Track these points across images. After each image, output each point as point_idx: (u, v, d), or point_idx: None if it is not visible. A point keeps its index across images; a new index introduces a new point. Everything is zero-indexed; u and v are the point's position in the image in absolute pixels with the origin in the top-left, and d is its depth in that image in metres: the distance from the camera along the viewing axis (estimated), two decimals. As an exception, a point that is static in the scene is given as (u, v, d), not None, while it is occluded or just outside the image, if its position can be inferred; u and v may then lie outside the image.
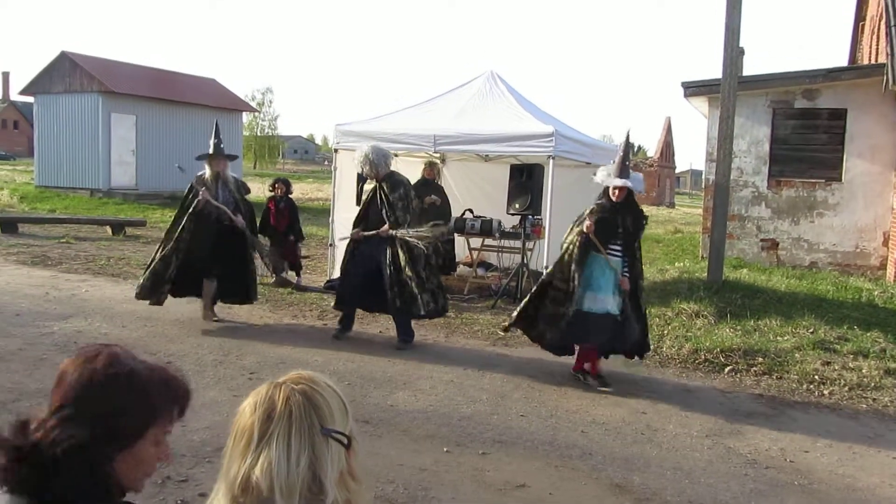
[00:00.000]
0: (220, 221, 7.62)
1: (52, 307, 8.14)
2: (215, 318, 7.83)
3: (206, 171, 7.76)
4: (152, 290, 7.49)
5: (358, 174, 9.72)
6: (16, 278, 9.76)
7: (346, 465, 1.39)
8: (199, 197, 7.48)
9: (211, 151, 7.81)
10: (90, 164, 23.08)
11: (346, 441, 1.39)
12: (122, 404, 1.35)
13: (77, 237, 14.18)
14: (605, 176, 6.31)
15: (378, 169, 7.23)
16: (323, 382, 1.42)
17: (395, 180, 7.35)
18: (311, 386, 1.40)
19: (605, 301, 6.14)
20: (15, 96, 52.58)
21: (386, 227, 7.19)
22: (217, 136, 7.91)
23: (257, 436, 1.34)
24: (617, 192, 6.20)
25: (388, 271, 7.12)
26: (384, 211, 7.24)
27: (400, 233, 7.16)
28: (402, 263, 7.12)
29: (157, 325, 7.57)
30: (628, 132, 6.91)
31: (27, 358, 6.13)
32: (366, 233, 7.31)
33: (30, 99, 25.58)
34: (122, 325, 7.49)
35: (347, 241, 7.58)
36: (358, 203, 9.97)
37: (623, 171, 6.25)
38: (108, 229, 15.26)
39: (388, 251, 7.18)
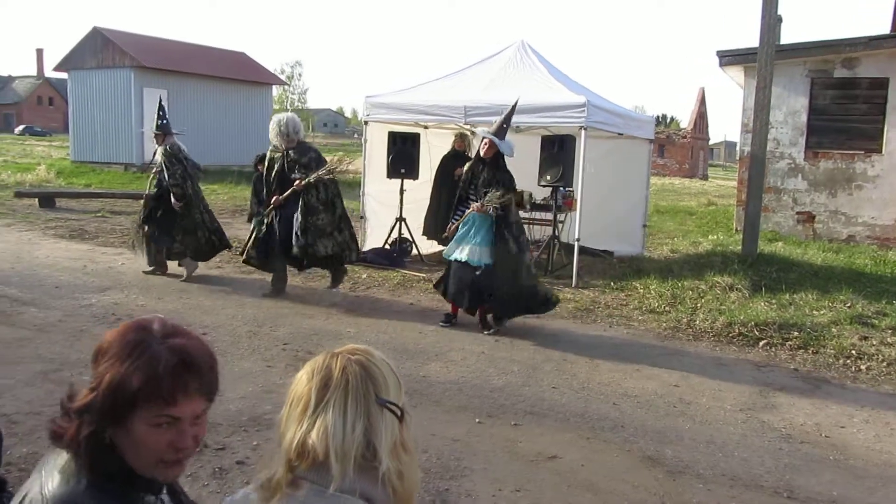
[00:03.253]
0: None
1: (90, 280, 8.29)
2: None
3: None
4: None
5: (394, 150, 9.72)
6: (55, 252, 9.95)
7: (399, 436, 1.41)
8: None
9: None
10: (123, 139, 23.36)
11: (399, 412, 1.41)
12: (113, 378, 1.34)
13: (112, 211, 14.39)
14: (483, 130, 7.08)
15: (289, 138, 7.62)
16: (378, 356, 1.45)
17: (304, 147, 7.80)
18: (367, 357, 1.43)
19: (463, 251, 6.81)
20: (49, 73, 53.18)
21: (299, 181, 7.56)
22: (161, 110, 8.74)
23: (314, 402, 1.37)
24: (486, 147, 6.81)
25: (297, 222, 7.60)
26: (294, 174, 7.62)
27: (312, 177, 7.56)
28: (304, 214, 7.60)
29: (193, 297, 7.68)
30: (517, 101, 7.31)
31: (67, 329, 6.27)
32: (283, 195, 7.64)
33: (64, 75, 25.90)
34: (158, 297, 7.61)
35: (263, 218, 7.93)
36: (390, 176, 10.00)
37: (499, 131, 6.86)
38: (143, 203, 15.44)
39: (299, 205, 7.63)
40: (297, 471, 1.38)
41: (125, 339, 1.39)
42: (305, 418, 1.37)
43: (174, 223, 8.29)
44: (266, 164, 7.91)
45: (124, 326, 1.43)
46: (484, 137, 6.89)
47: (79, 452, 1.36)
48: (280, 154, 7.72)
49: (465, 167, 7.20)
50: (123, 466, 1.38)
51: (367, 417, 1.36)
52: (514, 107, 7.13)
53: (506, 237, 6.75)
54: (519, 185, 10.53)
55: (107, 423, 1.36)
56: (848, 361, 6.41)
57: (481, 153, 6.90)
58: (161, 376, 1.35)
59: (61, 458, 1.39)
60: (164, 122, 8.57)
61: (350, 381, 1.38)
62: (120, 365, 1.35)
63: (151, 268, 8.67)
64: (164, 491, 1.50)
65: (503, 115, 7.06)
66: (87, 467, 1.36)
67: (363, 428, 1.36)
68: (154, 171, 8.65)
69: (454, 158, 9.95)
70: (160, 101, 9.05)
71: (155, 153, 8.70)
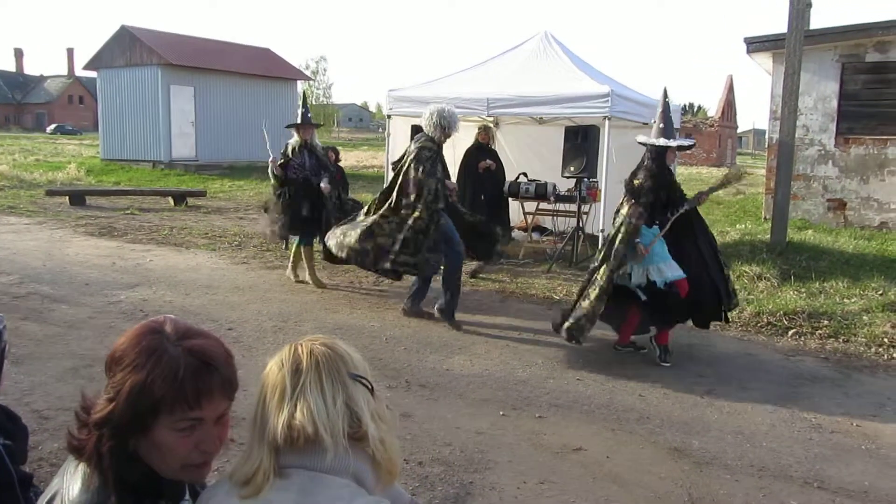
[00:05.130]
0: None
1: (119, 276, 8.41)
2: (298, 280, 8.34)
3: (294, 139, 8.17)
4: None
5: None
6: (84, 249, 10.10)
7: (374, 405, 1.47)
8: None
9: (299, 121, 8.28)
10: (152, 137, 23.65)
11: (370, 385, 1.47)
12: (133, 387, 1.33)
13: (141, 208, 14.58)
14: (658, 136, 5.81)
15: (447, 133, 6.86)
16: (340, 340, 1.52)
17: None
18: (330, 340, 1.50)
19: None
20: (79, 72, 53.95)
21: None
22: (304, 105, 8.41)
23: (290, 388, 1.40)
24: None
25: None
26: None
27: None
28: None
29: (219, 293, 7.75)
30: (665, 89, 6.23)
31: (97, 326, 6.36)
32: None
33: (93, 74, 26.26)
34: (185, 294, 7.69)
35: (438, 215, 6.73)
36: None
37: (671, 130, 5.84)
38: (171, 200, 15.64)
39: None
40: (285, 459, 1.38)
41: (140, 344, 1.37)
42: (285, 404, 1.39)
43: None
44: (414, 159, 6.75)
45: (136, 331, 1.40)
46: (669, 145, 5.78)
47: (101, 465, 1.34)
48: (436, 148, 6.86)
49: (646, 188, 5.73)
50: (149, 474, 1.37)
51: (345, 389, 1.41)
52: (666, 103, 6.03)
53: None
54: (543, 177, 10.57)
55: (129, 434, 1.34)
56: (880, 349, 6.30)
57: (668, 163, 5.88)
58: (182, 380, 1.33)
59: (82, 465, 1.38)
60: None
61: (321, 361, 1.43)
62: (138, 372, 1.33)
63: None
64: (188, 495, 1.49)
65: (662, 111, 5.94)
66: (113, 480, 1.34)
67: (343, 399, 1.40)
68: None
69: (478, 151, 9.92)
70: (303, 93, 8.81)
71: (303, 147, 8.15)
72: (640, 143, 5.96)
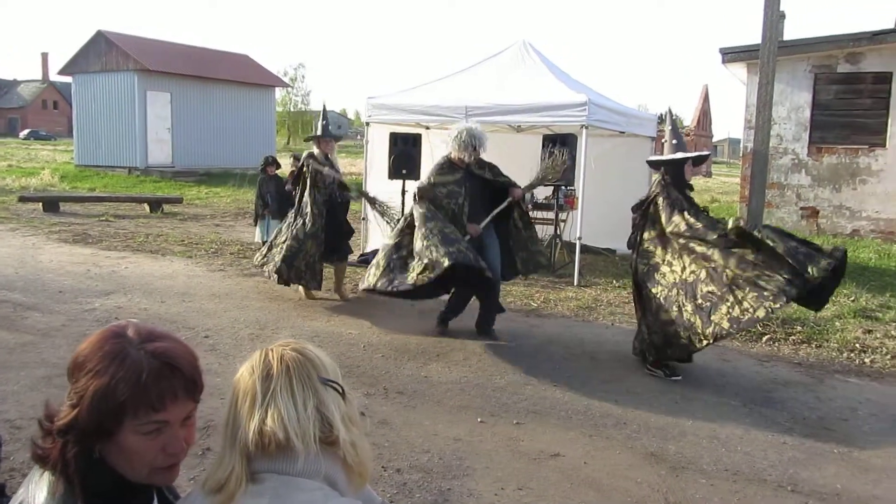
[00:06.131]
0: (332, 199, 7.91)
1: (94, 284, 8.32)
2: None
3: (315, 151, 7.95)
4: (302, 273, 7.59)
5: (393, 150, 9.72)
6: (58, 256, 9.98)
7: (346, 410, 1.46)
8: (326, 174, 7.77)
9: (319, 133, 8.03)
10: (127, 143, 23.45)
11: (341, 389, 1.46)
12: (96, 392, 1.31)
13: (116, 215, 14.45)
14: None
15: (476, 152, 6.47)
16: (310, 345, 1.51)
17: (482, 160, 6.68)
18: (301, 345, 1.49)
19: None
20: (54, 76, 53.37)
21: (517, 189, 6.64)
22: (325, 118, 8.16)
23: (261, 393, 1.40)
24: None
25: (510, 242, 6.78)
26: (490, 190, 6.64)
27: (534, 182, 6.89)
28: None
29: (195, 301, 7.70)
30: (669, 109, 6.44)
31: (71, 334, 6.29)
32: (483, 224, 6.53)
33: (68, 79, 26.01)
34: (160, 301, 7.63)
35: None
36: (391, 177, 9.91)
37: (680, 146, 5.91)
38: (146, 207, 15.51)
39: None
40: (257, 465, 1.38)
41: (102, 349, 1.35)
42: (256, 410, 1.38)
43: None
44: (436, 185, 6.39)
45: (98, 336, 1.39)
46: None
47: (67, 473, 1.32)
48: (462, 172, 6.46)
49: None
50: (117, 480, 1.35)
51: (316, 395, 1.41)
52: (673, 122, 6.16)
53: None
54: (521, 185, 10.59)
55: (94, 439, 1.32)
56: (852, 355, 6.39)
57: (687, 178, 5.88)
58: (146, 383, 1.31)
59: (47, 473, 1.36)
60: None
61: (291, 367, 1.42)
62: (101, 377, 1.31)
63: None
64: (156, 501, 1.47)
65: (672, 132, 5.97)
66: (79, 487, 1.32)
67: (314, 405, 1.40)
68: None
69: (456, 158, 9.92)
70: (324, 105, 8.29)
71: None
72: (653, 161, 6.04)
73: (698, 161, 6.04)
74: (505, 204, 6.51)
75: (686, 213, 5.57)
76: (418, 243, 6.04)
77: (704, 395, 5.36)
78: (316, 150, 7.95)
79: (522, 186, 6.75)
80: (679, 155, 5.81)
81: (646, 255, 5.76)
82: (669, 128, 6.06)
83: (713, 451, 4.39)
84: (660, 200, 5.70)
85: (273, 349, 1.48)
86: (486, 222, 6.46)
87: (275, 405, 1.38)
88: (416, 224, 6.19)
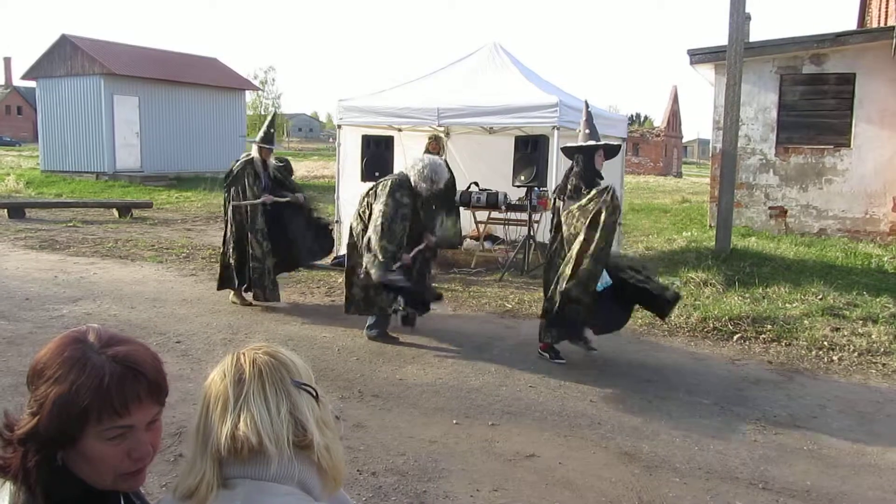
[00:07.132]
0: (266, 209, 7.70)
1: (62, 290, 8.18)
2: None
3: (255, 156, 7.73)
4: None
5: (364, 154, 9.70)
6: (24, 263, 9.80)
7: (319, 413, 1.45)
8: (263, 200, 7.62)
9: (263, 139, 7.81)
10: (95, 147, 23.09)
11: (314, 392, 1.45)
12: (57, 399, 1.28)
13: (84, 220, 14.22)
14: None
15: (434, 184, 6.55)
16: (283, 349, 1.49)
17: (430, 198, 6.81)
18: (273, 349, 1.47)
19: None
20: (17, 81, 52.48)
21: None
22: (272, 125, 8.06)
23: (233, 398, 1.38)
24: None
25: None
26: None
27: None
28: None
29: (167, 306, 7.60)
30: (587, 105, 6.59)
31: (38, 341, 6.17)
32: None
33: (32, 84, 25.55)
34: (130, 307, 7.52)
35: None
36: (364, 179, 9.86)
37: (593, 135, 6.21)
38: (115, 212, 15.30)
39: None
40: (230, 470, 1.36)
41: (62, 355, 1.32)
42: (228, 415, 1.36)
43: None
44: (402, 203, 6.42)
45: (58, 342, 1.36)
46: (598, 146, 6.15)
47: (29, 482, 1.29)
48: (415, 199, 6.55)
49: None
50: (81, 487, 1.32)
51: (289, 398, 1.39)
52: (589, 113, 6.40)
53: None
54: (494, 186, 10.66)
55: (56, 447, 1.29)
56: (820, 353, 6.49)
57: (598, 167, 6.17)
58: (108, 388, 1.28)
59: (8, 483, 1.33)
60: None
61: (263, 370, 1.40)
62: (62, 384, 1.28)
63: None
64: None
65: (587, 122, 6.27)
66: (42, 496, 1.29)
67: (287, 408, 1.38)
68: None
69: (428, 160, 9.92)
70: (274, 113, 8.26)
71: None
72: (566, 147, 6.33)
73: (610, 151, 6.34)
74: (423, 245, 6.67)
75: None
76: (374, 237, 6.29)
77: (677, 395, 5.41)
78: (255, 155, 7.70)
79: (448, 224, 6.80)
80: (591, 143, 6.12)
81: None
82: (584, 118, 6.31)
83: (686, 449, 4.43)
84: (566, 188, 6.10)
85: (245, 353, 1.45)
86: (411, 256, 6.54)
87: (247, 409, 1.35)
88: (381, 210, 6.29)
